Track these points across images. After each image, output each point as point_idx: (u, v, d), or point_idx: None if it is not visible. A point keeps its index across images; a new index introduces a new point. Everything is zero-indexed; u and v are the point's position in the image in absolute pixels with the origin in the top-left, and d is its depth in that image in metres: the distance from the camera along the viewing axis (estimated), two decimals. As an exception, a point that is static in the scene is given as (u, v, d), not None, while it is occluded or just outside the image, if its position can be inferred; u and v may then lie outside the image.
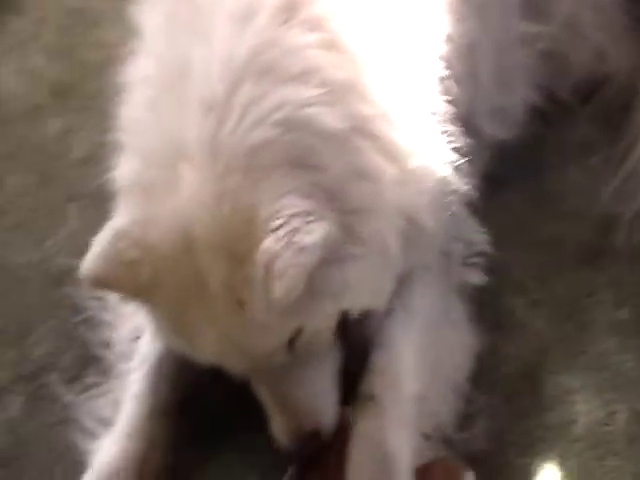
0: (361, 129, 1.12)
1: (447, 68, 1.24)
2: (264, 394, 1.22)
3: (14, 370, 1.46)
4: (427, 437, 1.25)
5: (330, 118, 1.09)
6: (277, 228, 1.02)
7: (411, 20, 1.23)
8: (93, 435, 1.35)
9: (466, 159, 1.23)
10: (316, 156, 1.09)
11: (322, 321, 1.16)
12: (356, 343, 1.27)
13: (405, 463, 1.21)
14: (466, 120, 1.30)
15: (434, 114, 1.23)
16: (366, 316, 1.21)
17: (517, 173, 1.54)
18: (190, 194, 1.08)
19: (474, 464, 1.26)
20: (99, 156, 1.59)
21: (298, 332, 1.14)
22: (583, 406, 1.34)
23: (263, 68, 1.11)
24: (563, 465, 1.30)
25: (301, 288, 1.03)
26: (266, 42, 1.12)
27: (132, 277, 1.11)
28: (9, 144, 1.74)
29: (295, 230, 1.02)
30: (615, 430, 1.31)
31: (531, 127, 1.58)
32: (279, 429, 1.22)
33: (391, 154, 1.16)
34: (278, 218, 1.02)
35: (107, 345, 1.43)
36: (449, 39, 1.26)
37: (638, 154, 1.54)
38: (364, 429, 1.23)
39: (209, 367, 1.23)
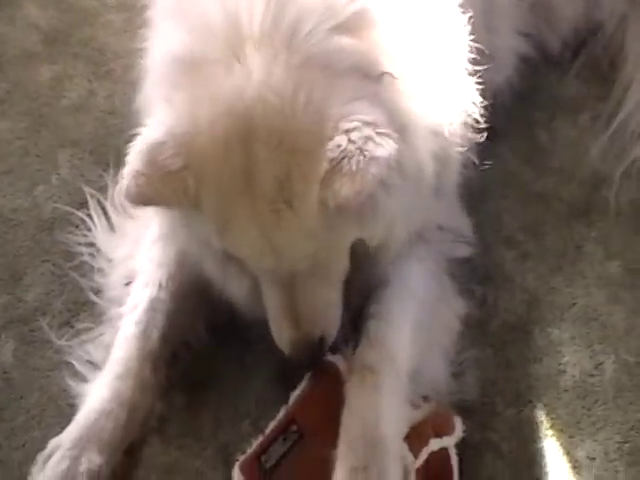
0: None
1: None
2: (274, 298, 1.21)
3: (6, 314, 1.45)
4: (422, 400, 1.27)
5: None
6: (350, 130, 1.01)
7: None
8: (84, 378, 1.35)
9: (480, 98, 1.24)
10: (377, 68, 1.08)
11: (343, 243, 1.16)
12: (358, 277, 1.26)
13: (396, 441, 1.21)
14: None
15: (458, 54, 1.23)
16: (374, 253, 1.22)
17: (509, 128, 1.54)
18: (260, 77, 1.04)
19: (463, 413, 1.28)
20: (91, 103, 1.61)
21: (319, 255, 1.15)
22: (571, 357, 1.35)
23: None
24: (551, 415, 1.31)
25: (366, 195, 1.01)
26: None
27: (179, 189, 1.08)
28: (1, 90, 1.71)
29: (367, 138, 1.00)
30: (603, 380, 1.32)
31: (522, 76, 1.57)
32: (284, 336, 1.21)
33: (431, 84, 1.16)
34: (351, 121, 1.01)
35: (98, 290, 1.43)
36: None
37: (626, 111, 1.54)
38: (359, 403, 1.23)
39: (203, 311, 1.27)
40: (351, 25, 1.09)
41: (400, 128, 1.09)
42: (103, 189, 1.54)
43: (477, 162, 1.33)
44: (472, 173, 1.38)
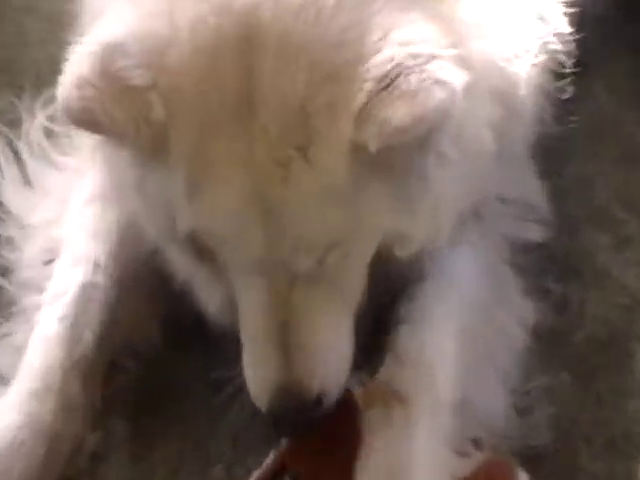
0: None
1: None
2: (255, 322, 0.95)
3: None
4: (473, 446, 1.04)
5: None
6: (406, 43, 0.84)
7: None
8: (41, 401, 1.11)
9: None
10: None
11: (365, 241, 0.95)
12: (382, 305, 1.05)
13: None
14: None
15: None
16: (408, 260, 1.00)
17: (607, 60, 1.31)
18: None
19: (532, 465, 1.01)
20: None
21: (337, 244, 0.92)
22: None
23: None
24: None
25: (423, 129, 0.82)
26: None
27: (138, 112, 0.86)
28: None
29: (432, 56, 0.83)
30: None
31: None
32: (263, 385, 0.96)
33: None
34: (410, 37, 0.85)
35: (7, 270, 1.20)
36: None
37: None
38: (382, 445, 0.99)
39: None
40: None
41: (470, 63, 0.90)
42: (15, 123, 1.32)
43: (560, 111, 1.11)
44: (552, 126, 1.15)
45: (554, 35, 1.05)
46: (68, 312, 1.11)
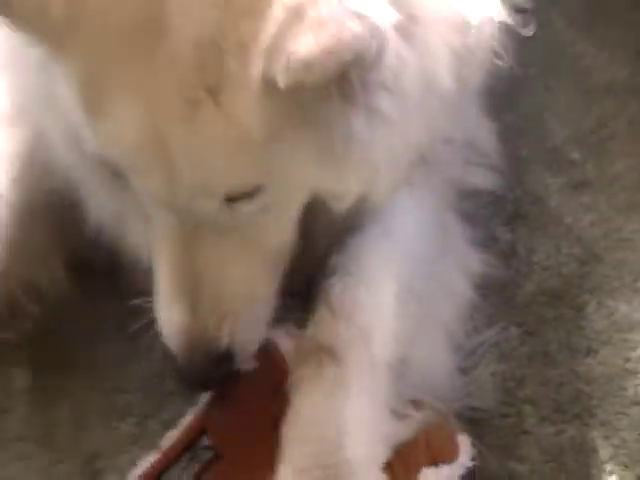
0: None
1: None
2: (170, 260, 0.90)
3: None
4: (412, 407, 0.98)
5: None
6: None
7: None
8: None
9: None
10: None
11: (295, 187, 0.89)
12: (313, 250, 0.99)
13: (368, 474, 0.93)
14: None
15: None
16: (348, 213, 0.94)
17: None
18: None
19: (475, 429, 0.96)
20: None
21: (256, 189, 0.86)
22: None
23: None
24: (611, 439, 1.00)
25: (338, 59, 0.76)
26: None
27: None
28: None
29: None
30: None
31: None
32: (171, 324, 0.91)
33: None
34: None
35: None
36: None
37: None
38: (312, 405, 0.93)
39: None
40: None
41: (405, 19, 0.85)
42: None
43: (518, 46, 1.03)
44: (509, 62, 1.06)
45: None
46: None
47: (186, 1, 0.79)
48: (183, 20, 0.79)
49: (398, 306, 0.99)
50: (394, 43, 0.83)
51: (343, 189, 0.92)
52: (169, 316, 0.92)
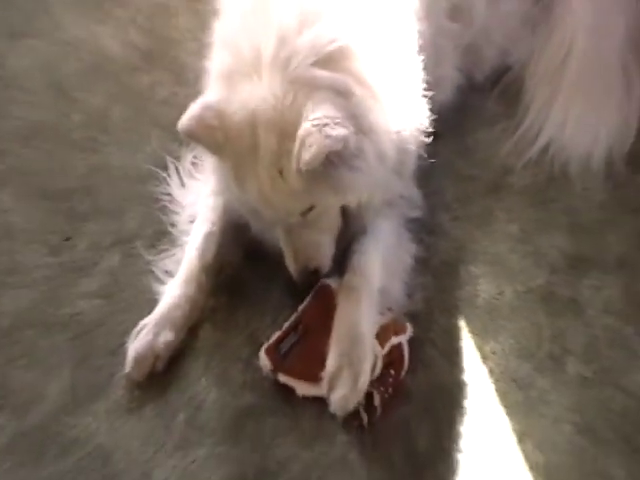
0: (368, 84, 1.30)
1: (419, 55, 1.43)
2: (284, 239, 1.38)
3: (114, 236, 1.66)
4: (385, 311, 1.45)
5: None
6: (314, 119, 1.20)
7: (396, 25, 1.44)
8: (163, 282, 1.55)
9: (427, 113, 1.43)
10: (347, 89, 1.27)
11: (329, 205, 1.34)
12: (347, 229, 1.44)
13: (370, 337, 1.37)
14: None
15: (414, 80, 1.42)
16: (358, 213, 1.40)
17: (447, 133, 1.72)
18: (264, 87, 1.25)
19: (413, 319, 1.49)
20: (174, 101, 1.79)
21: (311, 208, 1.31)
22: (483, 286, 1.58)
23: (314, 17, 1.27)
24: (469, 323, 1.54)
25: (321, 160, 1.18)
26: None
27: (211, 137, 1.27)
28: (115, 89, 1.85)
29: (325, 124, 1.20)
30: (503, 302, 1.56)
31: (457, 98, 1.76)
32: (291, 265, 1.39)
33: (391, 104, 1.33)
34: (318, 116, 1.20)
35: (174, 224, 1.64)
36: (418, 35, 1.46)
37: (526, 125, 1.77)
38: (346, 311, 1.39)
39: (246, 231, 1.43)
40: (329, 59, 1.27)
41: (367, 129, 1.27)
42: (179, 158, 1.72)
43: (425, 155, 1.50)
44: (422, 162, 1.53)
45: (423, 116, 1.40)
46: (200, 245, 1.53)
47: (265, 136, 1.24)
48: (265, 143, 1.24)
49: (381, 266, 1.45)
50: (356, 140, 1.20)
51: (353, 199, 1.30)
52: (290, 261, 1.39)
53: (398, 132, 1.35)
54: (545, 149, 1.72)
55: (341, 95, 1.26)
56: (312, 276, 1.40)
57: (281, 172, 1.25)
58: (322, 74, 1.26)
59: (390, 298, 1.47)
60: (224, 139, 1.27)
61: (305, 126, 1.20)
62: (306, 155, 1.18)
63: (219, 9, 1.48)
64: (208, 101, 1.30)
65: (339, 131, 1.20)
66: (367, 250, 1.47)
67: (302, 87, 1.25)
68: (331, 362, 1.33)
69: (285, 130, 1.23)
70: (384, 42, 1.37)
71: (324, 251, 1.40)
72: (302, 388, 1.39)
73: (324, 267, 1.41)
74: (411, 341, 1.44)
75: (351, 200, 1.33)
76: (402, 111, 1.36)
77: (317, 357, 1.35)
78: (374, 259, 1.46)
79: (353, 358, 1.32)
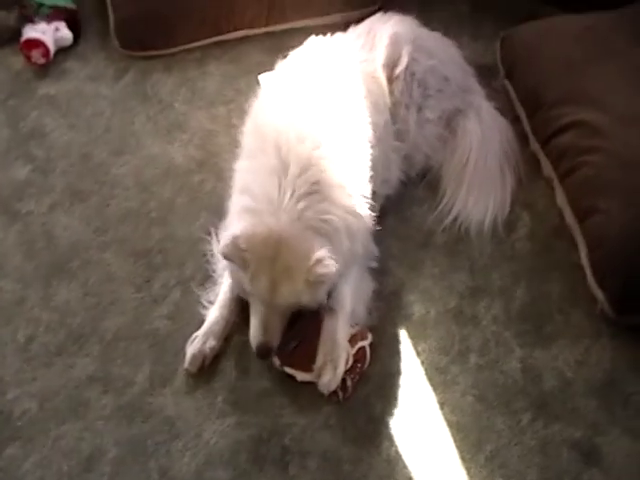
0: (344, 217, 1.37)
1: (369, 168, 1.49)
2: (261, 316, 1.39)
3: (177, 279, 1.66)
4: (354, 325, 1.49)
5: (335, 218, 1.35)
6: (320, 256, 1.31)
7: (354, 146, 1.50)
8: (207, 308, 1.56)
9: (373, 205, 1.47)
10: (332, 234, 1.37)
11: (311, 300, 1.39)
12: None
13: (344, 343, 1.42)
14: (373, 187, 1.51)
15: (364, 184, 1.47)
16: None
17: (392, 208, 1.75)
18: (282, 224, 1.33)
19: (372, 330, 1.53)
20: (215, 192, 1.78)
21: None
22: (416, 308, 1.62)
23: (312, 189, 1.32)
24: (407, 332, 1.57)
25: (326, 283, 1.30)
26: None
27: (242, 258, 1.32)
28: (178, 185, 1.84)
29: (325, 260, 1.30)
30: (429, 318, 1.59)
31: (398, 189, 1.78)
32: (256, 338, 1.41)
33: (352, 213, 1.39)
34: (320, 253, 1.30)
35: (214, 271, 1.63)
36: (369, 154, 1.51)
37: (443, 204, 1.77)
38: (329, 326, 1.44)
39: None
40: (321, 199, 1.33)
41: (345, 247, 1.36)
42: (217, 229, 1.67)
43: (378, 225, 1.54)
44: (376, 229, 1.57)
45: (370, 206, 1.43)
46: (230, 284, 1.53)
47: (284, 257, 1.28)
48: (282, 261, 1.28)
49: (350, 297, 1.47)
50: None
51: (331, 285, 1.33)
52: (257, 333, 1.36)
53: (359, 228, 1.42)
54: (455, 219, 1.75)
55: (328, 236, 1.35)
56: (267, 349, 1.41)
57: (291, 277, 1.32)
58: (320, 225, 1.34)
59: (357, 316, 1.51)
60: (250, 258, 1.30)
61: (314, 258, 1.29)
62: (313, 276, 1.28)
63: (239, 150, 1.54)
64: (236, 233, 1.33)
65: (332, 267, 1.31)
66: (341, 287, 1.49)
67: (304, 227, 1.33)
68: (319, 358, 1.41)
69: (297, 253, 1.30)
70: (349, 163, 1.42)
71: (280, 332, 1.41)
72: (301, 376, 1.45)
73: (275, 345, 1.41)
74: (371, 344, 1.50)
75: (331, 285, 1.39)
76: (360, 205, 1.43)
77: (310, 355, 1.43)
78: (346, 292, 1.49)
79: (334, 356, 1.40)
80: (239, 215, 1.36)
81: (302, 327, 1.44)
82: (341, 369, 1.38)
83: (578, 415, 1.42)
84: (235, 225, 1.35)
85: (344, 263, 1.36)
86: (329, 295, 1.42)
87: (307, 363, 1.41)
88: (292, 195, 1.32)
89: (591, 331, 1.54)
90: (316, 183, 1.34)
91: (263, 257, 1.29)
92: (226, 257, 1.31)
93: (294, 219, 1.30)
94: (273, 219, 1.30)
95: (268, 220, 1.30)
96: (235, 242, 1.28)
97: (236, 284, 1.41)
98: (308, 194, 1.32)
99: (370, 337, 1.49)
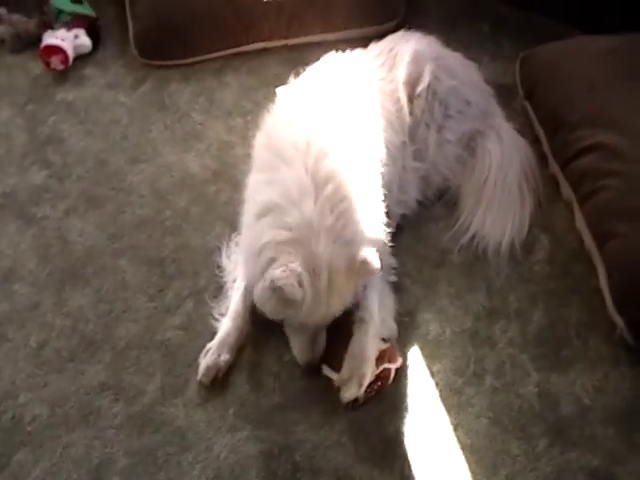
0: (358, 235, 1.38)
1: (384, 188, 1.53)
2: (305, 339, 1.45)
3: (190, 289, 1.69)
4: (387, 339, 1.52)
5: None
6: (362, 257, 1.34)
7: (368, 168, 1.51)
8: (219, 319, 1.59)
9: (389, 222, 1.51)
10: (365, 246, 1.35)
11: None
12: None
13: (372, 358, 1.46)
14: (388, 206, 1.55)
15: (380, 204, 1.51)
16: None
17: (409, 227, 1.79)
18: (328, 249, 1.35)
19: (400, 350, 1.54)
20: (231, 202, 1.77)
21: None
22: (432, 327, 1.66)
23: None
24: (422, 351, 1.61)
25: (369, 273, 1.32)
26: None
27: (296, 293, 1.33)
28: (193, 194, 1.84)
29: (369, 257, 1.33)
30: (444, 338, 1.64)
31: (417, 207, 1.81)
32: (306, 357, 1.48)
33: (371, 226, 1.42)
34: (362, 255, 1.33)
35: (226, 282, 1.67)
36: (382, 174, 1.54)
37: (460, 222, 1.79)
38: (357, 339, 1.48)
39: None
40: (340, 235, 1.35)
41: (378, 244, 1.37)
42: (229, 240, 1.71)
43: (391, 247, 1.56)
44: (394, 247, 1.60)
45: (382, 220, 1.47)
46: (242, 295, 1.57)
47: (325, 277, 1.32)
48: (336, 278, 1.32)
49: (379, 307, 1.50)
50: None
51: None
52: (304, 354, 1.43)
53: (380, 239, 1.46)
54: (472, 238, 1.77)
55: (348, 244, 1.38)
56: (315, 365, 1.47)
57: (341, 294, 1.38)
58: (354, 239, 1.37)
59: (387, 327, 1.55)
60: (305, 291, 1.32)
61: (360, 257, 1.33)
62: (367, 268, 1.32)
63: (251, 161, 1.55)
64: (274, 273, 1.33)
65: (378, 262, 1.36)
66: (369, 294, 1.53)
67: (347, 244, 1.36)
68: (345, 371, 1.44)
69: (339, 264, 1.34)
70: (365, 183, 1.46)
71: (324, 343, 1.46)
72: (327, 371, 1.50)
73: (320, 356, 1.46)
74: (397, 369, 1.52)
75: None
76: (379, 229, 1.48)
77: (339, 354, 1.49)
78: (374, 300, 1.53)
79: (360, 373, 1.44)
80: (280, 247, 1.34)
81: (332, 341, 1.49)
82: (365, 386, 1.42)
83: (596, 443, 1.42)
84: (283, 258, 1.33)
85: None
86: (357, 306, 1.45)
87: (336, 362, 1.47)
88: (329, 215, 1.34)
89: (610, 357, 1.54)
90: (345, 199, 1.36)
91: (317, 289, 1.32)
92: (281, 295, 1.31)
93: (335, 239, 1.33)
94: (320, 247, 1.32)
95: (316, 250, 1.33)
96: (289, 280, 1.29)
97: (276, 314, 1.43)
98: (342, 213, 1.35)
99: (400, 361, 1.51)
